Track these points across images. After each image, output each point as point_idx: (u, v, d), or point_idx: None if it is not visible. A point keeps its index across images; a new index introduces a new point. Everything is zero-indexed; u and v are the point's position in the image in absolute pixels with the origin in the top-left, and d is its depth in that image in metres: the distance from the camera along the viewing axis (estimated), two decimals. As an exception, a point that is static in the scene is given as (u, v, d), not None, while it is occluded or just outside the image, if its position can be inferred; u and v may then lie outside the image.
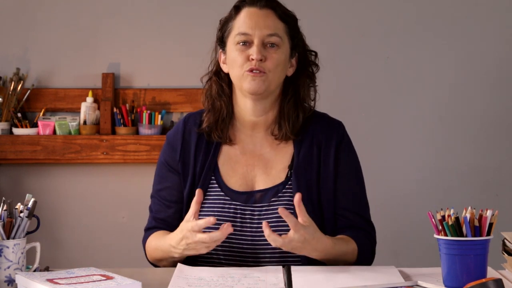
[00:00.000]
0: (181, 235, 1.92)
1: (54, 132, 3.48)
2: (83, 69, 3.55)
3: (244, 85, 2.03)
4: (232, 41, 2.05)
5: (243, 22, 2.04)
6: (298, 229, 1.86)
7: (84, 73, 3.55)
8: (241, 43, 2.03)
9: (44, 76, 3.56)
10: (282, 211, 1.85)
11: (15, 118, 3.47)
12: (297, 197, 1.88)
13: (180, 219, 2.04)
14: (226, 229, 1.87)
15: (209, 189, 2.07)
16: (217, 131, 2.10)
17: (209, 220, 1.87)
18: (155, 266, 2.12)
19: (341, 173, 2.08)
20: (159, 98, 3.53)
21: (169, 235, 2.00)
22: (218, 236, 1.87)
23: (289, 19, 2.07)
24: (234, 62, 2.04)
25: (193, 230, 1.88)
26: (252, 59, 2.01)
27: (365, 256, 2.04)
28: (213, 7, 3.44)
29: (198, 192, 1.95)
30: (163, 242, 2.02)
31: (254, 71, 2.01)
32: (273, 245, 1.86)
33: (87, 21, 3.55)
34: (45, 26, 3.55)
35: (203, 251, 1.92)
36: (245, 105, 2.09)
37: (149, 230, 2.14)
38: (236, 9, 2.07)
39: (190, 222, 1.91)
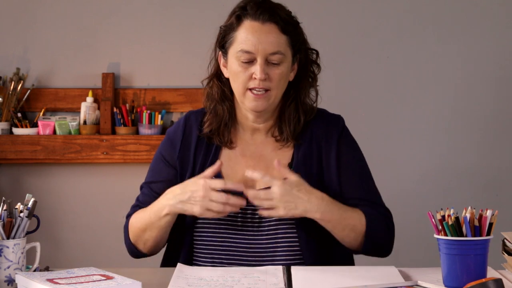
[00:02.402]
0: (188, 189, 1.94)
1: (54, 132, 3.48)
2: (83, 69, 3.55)
3: (245, 103, 2.02)
4: (234, 54, 2.02)
5: (246, 38, 2.00)
6: (270, 181, 1.91)
7: (84, 73, 3.55)
8: (244, 61, 2.00)
9: (44, 76, 3.56)
10: (248, 172, 1.94)
11: (15, 118, 3.47)
12: (276, 162, 1.94)
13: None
14: (242, 201, 1.92)
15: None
16: (218, 136, 2.09)
17: (240, 187, 1.93)
18: (134, 253, 2.10)
19: (345, 165, 2.07)
20: (159, 98, 3.53)
21: (165, 192, 2.01)
22: (235, 201, 1.90)
23: (291, 29, 2.03)
24: (236, 77, 2.02)
25: (211, 187, 1.90)
26: (255, 78, 1.99)
27: (377, 227, 2.01)
28: (213, 7, 3.46)
29: (218, 162, 1.98)
30: (154, 203, 2.02)
31: (257, 89, 2.00)
32: (263, 212, 1.91)
33: (87, 21, 3.55)
34: (45, 26, 3.55)
35: (197, 210, 1.92)
36: (246, 114, 2.08)
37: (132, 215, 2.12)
38: (238, 19, 2.02)
39: (210, 180, 1.92)
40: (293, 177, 1.93)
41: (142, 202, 2.11)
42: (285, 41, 2.02)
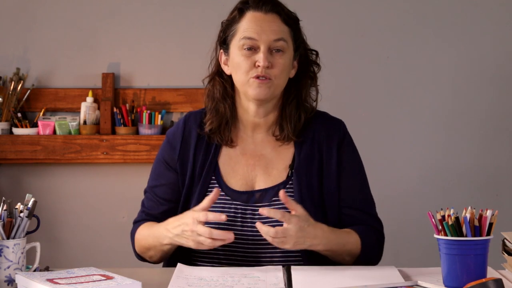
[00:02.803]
0: (181, 221, 1.92)
1: (54, 132, 3.48)
2: (83, 69, 3.55)
3: (249, 91, 2.02)
4: (236, 45, 2.03)
5: (249, 26, 2.02)
6: (289, 219, 1.87)
7: (84, 73, 3.55)
8: (247, 48, 2.02)
9: (44, 76, 3.56)
10: (262, 210, 1.88)
11: (15, 118, 3.47)
12: (281, 193, 1.91)
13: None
14: (228, 234, 1.87)
15: (209, 189, 2.06)
16: (219, 134, 2.10)
17: (220, 217, 1.87)
18: (141, 259, 2.12)
19: (344, 172, 2.08)
20: (159, 98, 3.53)
21: (167, 220, 2.00)
22: (218, 235, 1.87)
23: (292, 22, 2.06)
24: (239, 67, 2.02)
25: (198, 220, 1.88)
26: (259, 66, 2.00)
27: (370, 248, 2.03)
28: (213, 7, 3.46)
29: (216, 190, 1.94)
30: (156, 228, 2.03)
31: (260, 78, 2.00)
32: (269, 240, 1.87)
33: (87, 21, 3.55)
34: (45, 26, 3.55)
35: (191, 244, 1.91)
36: (248, 108, 2.09)
37: (140, 222, 2.13)
38: (240, 12, 2.05)
39: (198, 212, 1.90)
40: (300, 210, 1.91)
41: (148, 207, 2.13)
42: (287, 32, 2.04)
